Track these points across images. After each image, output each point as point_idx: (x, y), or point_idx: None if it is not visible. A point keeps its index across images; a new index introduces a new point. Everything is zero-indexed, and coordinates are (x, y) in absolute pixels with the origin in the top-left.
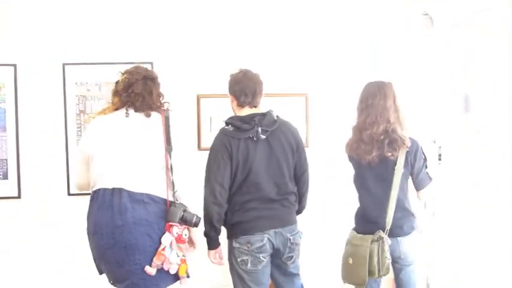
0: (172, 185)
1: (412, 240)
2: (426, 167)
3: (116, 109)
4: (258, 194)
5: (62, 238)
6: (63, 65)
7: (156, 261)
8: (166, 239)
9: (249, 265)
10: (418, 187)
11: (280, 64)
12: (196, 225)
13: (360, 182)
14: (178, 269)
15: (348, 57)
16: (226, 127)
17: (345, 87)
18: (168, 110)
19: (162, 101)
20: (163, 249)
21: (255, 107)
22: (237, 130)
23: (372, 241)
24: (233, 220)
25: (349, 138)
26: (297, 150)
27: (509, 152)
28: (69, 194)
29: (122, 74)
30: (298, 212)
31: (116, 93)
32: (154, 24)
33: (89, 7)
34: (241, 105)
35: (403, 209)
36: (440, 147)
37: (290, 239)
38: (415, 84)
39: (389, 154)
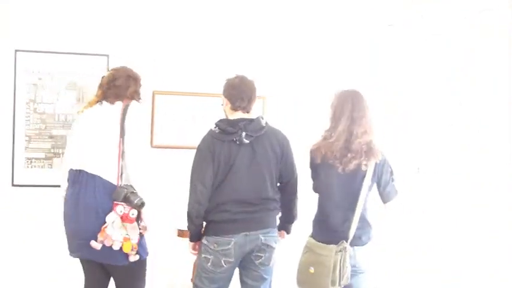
0: (124, 169)
1: (368, 250)
2: (393, 180)
3: (98, 101)
4: (234, 196)
5: (4, 228)
6: (15, 51)
7: (100, 237)
8: (110, 217)
9: (209, 264)
10: (385, 199)
11: (238, 66)
12: (138, 207)
13: (324, 189)
14: (122, 246)
15: (305, 60)
16: (213, 129)
17: (302, 90)
18: (132, 100)
19: (137, 98)
20: (106, 227)
21: (248, 112)
22: (222, 133)
23: (336, 252)
24: (208, 218)
25: (327, 145)
26: (281, 158)
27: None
28: (12, 185)
29: (109, 70)
30: (289, 221)
31: (100, 86)
32: (112, 17)
33: None
34: (235, 109)
35: (363, 220)
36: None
37: (261, 239)
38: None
39: (364, 163)
